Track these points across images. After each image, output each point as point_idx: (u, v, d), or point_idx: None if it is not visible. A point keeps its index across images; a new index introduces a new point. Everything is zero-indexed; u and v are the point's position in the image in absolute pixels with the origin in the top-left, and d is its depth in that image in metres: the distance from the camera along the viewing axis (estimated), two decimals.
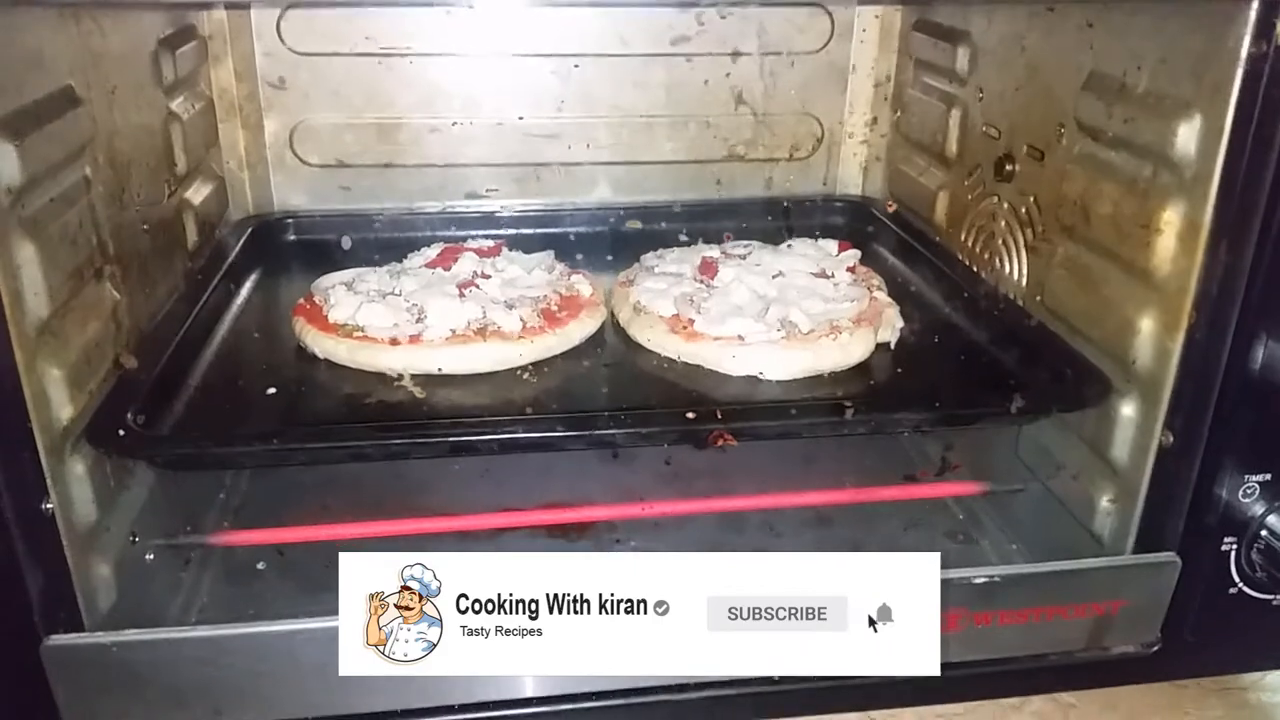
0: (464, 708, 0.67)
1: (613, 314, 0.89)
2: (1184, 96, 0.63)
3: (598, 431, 0.69)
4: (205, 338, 0.84)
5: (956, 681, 0.72)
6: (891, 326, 0.85)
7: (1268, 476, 0.66)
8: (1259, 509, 0.67)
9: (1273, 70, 0.57)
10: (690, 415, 0.69)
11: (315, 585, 0.77)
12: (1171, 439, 0.67)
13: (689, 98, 1.12)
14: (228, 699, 0.63)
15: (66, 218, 0.64)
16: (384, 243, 1.06)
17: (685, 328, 0.83)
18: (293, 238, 1.09)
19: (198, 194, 0.96)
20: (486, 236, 1.03)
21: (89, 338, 0.66)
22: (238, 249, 0.99)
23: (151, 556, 0.73)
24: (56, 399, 0.61)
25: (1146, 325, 0.68)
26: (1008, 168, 0.86)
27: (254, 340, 0.87)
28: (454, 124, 1.09)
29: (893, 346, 0.85)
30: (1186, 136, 0.63)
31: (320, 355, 0.81)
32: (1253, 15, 0.56)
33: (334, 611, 0.68)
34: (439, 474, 0.88)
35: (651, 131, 1.13)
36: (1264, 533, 0.67)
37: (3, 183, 0.55)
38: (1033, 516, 0.83)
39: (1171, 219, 0.65)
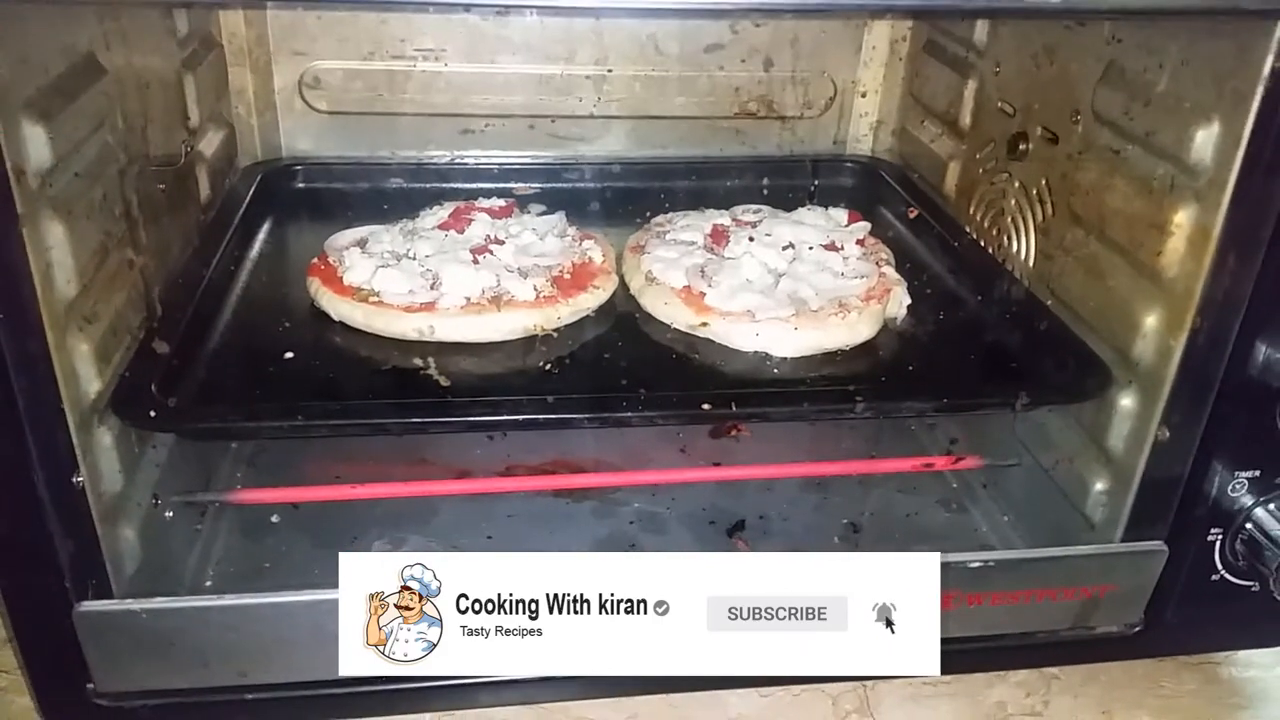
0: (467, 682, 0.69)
1: (623, 279, 0.90)
2: (1204, 102, 0.63)
3: (613, 414, 0.70)
4: (222, 297, 0.84)
5: (947, 656, 0.74)
6: (899, 304, 0.86)
7: (1256, 473, 0.68)
8: (1246, 502, 0.69)
9: (1273, 88, 0.57)
10: (705, 406, 0.69)
11: (327, 540, 0.80)
12: (1167, 434, 0.68)
13: (702, 53, 1.10)
14: (251, 662, 0.65)
15: (92, 192, 0.64)
16: (394, 192, 1.06)
17: (697, 300, 0.83)
18: (302, 185, 1.08)
19: (209, 144, 0.95)
20: (496, 190, 1.03)
21: (114, 309, 0.67)
22: (248, 198, 0.98)
23: (171, 514, 0.74)
24: (85, 374, 0.61)
25: (1150, 322, 0.69)
26: (1021, 147, 0.86)
27: (269, 300, 0.87)
28: (464, 73, 1.08)
29: (899, 323, 0.86)
30: (1204, 142, 0.63)
31: (336, 318, 0.81)
32: (1278, 34, 0.56)
33: None
34: (450, 434, 0.89)
35: (664, 85, 1.11)
36: (1248, 525, 0.70)
37: (33, 167, 0.55)
38: (1026, 493, 0.84)
39: (1183, 222, 0.66)
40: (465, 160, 1.11)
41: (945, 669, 0.76)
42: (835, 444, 0.90)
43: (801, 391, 0.77)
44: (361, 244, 0.88)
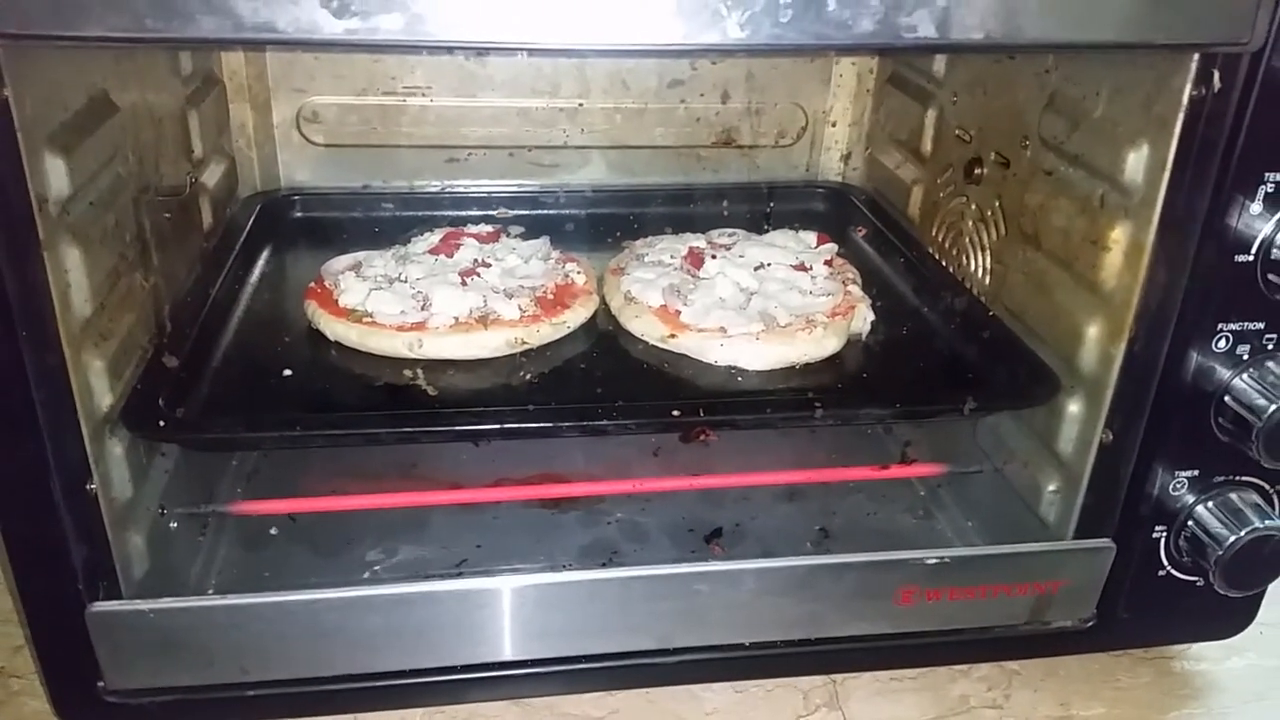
0: (466, 668, 0.73)
1: (604, 300, 0.94)
2: (1134, 127, 0.67)
3: (589, 423, 0.74)
4: (225, 318, 0.88)
5: (910, 650, 0.78)
6: (864, 319, 0.90)
7: (1195, 472, 0.71)
8: (1188, 500, 0.72)
9: (1209, 112, 0.61)
10: (675, 412, 0.73)
11: (323, 549, 0.84)
12: (1111, 437, 0.72)
13: (681, 87, 1.15)
14: (253, 659, 0.68)
15: (105, 219, 0.67)
16: (387, 221, 1.11)
17: (672, 318, 0.87)
18: (300, 214, 1.12)
19: (211, 176, 0.99)
20: (483, 217, 1.08)
21: (125, 328, 0.70)
22: (249, 226, 1.02)
23: (175, 525, 0.77)
24: (98, 388, 0.65)
25: (1093, 332, 0.73)
26: (976, 171, 0.91)
27: (269, 321, 0.90)
28: (451, 107, 1.12)
29: (864, 338, 0.90)
30: (1135, 164, 0.68)
31: (331, 338, 0.85)
32: (1193, 65, 0.61)
33: (342, 575, 0.78)
34: (440, 446, 0.93)
35: (643, 118, 1.16)
36: (1190, 522, 0.72)
37: (54, 196, 0.59)
38: (987, 497, 0.88)
39: (1119, 238, 0.70)
40: (454, 188, 1.15)
41: (911, 662, 0.81)
42: (807, 454, 0.94)
43: (764, 400, 0.81)
44: (356, 268, 0.92)
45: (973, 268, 0.92)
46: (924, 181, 1.04)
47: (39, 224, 0.56)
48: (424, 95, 1.11)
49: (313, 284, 0.91)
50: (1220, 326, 0.65)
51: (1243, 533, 0.70)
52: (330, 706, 0.73)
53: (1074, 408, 0.76)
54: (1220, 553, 0.71)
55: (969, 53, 0.90)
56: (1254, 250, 0.63)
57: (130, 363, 0.72)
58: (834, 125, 1.21)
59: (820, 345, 0.85)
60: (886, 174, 1.13)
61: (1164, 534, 0.74)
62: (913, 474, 0.93)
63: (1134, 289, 0.68)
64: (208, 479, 0.87)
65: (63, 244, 0.60)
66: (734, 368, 0.84)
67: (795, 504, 0.93)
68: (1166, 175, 0.65)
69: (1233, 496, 0.72)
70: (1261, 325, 0.65)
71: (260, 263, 1.01)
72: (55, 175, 0.59)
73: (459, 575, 0.81)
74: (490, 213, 1.12)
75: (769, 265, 0.96)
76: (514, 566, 0.84)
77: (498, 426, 0.73)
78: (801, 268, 0.96)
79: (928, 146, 1.02)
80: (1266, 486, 0.73)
